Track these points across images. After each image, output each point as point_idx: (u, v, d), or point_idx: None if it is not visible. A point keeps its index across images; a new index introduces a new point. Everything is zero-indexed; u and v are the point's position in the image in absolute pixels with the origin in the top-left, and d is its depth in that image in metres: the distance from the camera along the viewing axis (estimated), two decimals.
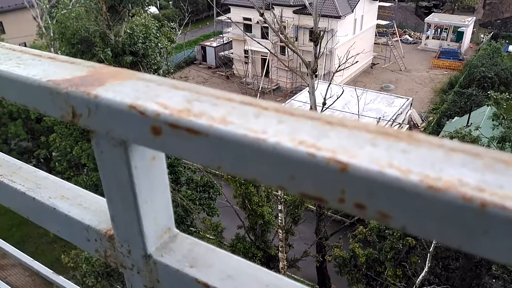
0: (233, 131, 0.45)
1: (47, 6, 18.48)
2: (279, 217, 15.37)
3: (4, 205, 0.89)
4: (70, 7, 16.22)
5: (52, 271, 1.11)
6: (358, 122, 0.47)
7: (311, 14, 25.33)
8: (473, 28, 39.57)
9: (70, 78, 0.60)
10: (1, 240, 1.42)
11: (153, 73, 16.49)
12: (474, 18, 39.57)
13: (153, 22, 16.54)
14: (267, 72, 30.65)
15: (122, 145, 0.58)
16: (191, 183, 16.33)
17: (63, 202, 0.79)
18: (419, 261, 13.83)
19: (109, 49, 15.23)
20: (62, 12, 16.34)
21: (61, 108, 0.59)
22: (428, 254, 12.93)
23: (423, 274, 12.85)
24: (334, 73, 16.39)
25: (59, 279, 1.15)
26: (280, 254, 12.17)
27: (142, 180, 0.62)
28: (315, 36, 16.32)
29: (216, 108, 0.50)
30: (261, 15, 15.58)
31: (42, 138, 17.10)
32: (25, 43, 24.15)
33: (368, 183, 0.38)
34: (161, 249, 0.68)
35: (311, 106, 13.73)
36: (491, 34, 39.94)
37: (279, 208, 15.48)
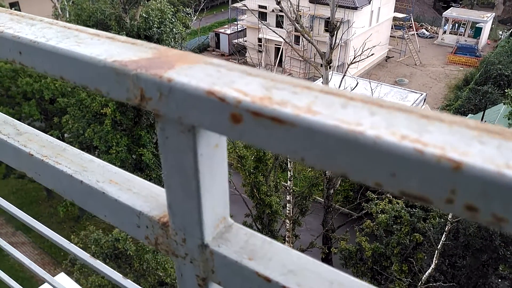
0: (322, 121, 0.43)
1: None
2: (287, 208, 15.40)
3: (48, 187, 0.88)
4: None
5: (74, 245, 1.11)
6: (454, 117, 0.44)
7: (327, 4, 25.03)
8: (492, 25, 38.89)
9: (136, 60, 0.58)
10: (21, 212, 1.42)
11: None
12: (494, 14, 38.86)
13: (169, 7, 16.44)
14: (281, 62, 30.48)
15: (190, 131, 0.56)
16: None
17: (112, 186, 0.77)
18: (425, 257, 13.80)
19: (124, 32, 15.22)
20: None
21: (128, 90, 0.57)
22: (436, 251, 12.89)
23: (429, 270, 12.84)
24: (348, 65, 16.25)
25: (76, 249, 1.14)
26: (286, 244, 12.22)
27: (206, 168, 0.60)
28: (332, 27, 16.15)
29: (298, 97, 0.48)
30: (278, 3, 15.44)
31: (55, 119, 17.20)
32: None
33: (483, 184, 0.36)
34: (218, 239, 0.66)
35: None
36: (510, 31, 39.23)
37: (287, 199, 15.50)
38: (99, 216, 0.80)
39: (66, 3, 19.20)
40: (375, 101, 0.47)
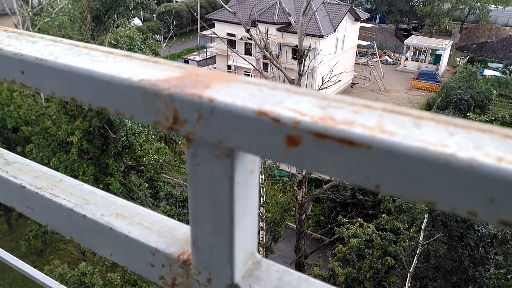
0: (405, 143, 0.38)
1: (30, 13, 18.11)
2: (260, 235, 15.22)
3: (41, 222, 0.79)
4: (53, 15, 15.94)
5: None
6: None
7: (294, 32, 25.62)
8: (450, 52, 40.70)
9: (166, 79, 0.52)
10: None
11: None
12: (451, 41, 40.76)
13: (138, 34, 16.38)
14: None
15: (228, 156, 0.50)
16: (170, 198, 16.09)
17: (120, 220, 0.69)
18: (397, 280, 13.85)
19: None
20: (45, 20, 16.02)
21: (158, 113, 0.50)
22: (408, 274, 12.95)
23: None
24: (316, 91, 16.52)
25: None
26: None
27: (240, 198, 0.53)
28: (300, 54, 16.47)
29: (362, 116, 0.43)
30: (247, 31, 15.65)
31: (19, 148, 16.58)
32: None
33: None
34: (248, 277, 0.59)
35: None
36: (467, 58, 41.14)
37: (260, 225, 15.34)
38: (104, 254, 0.72)
39: (32, 30, 18.83)
40: (447, 120, 0.42)
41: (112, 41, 15.33)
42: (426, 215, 12.79)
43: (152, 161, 15.69)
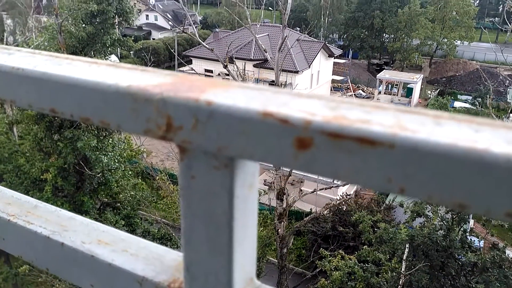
0: (432, 139, 0.34)
1: None
2: None
3: (14, 254, 0.71)
4: None
5: None
6: None
7: (270, 68, 26.05)
8: (421, 85, 41.97)
9: (157, 84, 0.47)
10: None
11: None
12: (422, 75, 42.08)
13: None
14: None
15: (228, 167, 0.45)
16: (147, 236, 15.65)
17: (102, 248, 0.62)
18: None
19: None
20: None
21: (148, 120, 0.45)
22: None
23: None
24: None
25: None
26: None
27: (240, 213, 0.48)
28: None
29: (377, 115, 0.39)
30: (225, 66, 15.82)
31: None
32: None
33: None
34: None
35: None
36: (437, 91, 42.44)
37: None
38: (83, 285, 0.64)
39: None
40: (468, 119, 0.39)
41: None
42: (407, 245, 12.78)
43: (128, 198, 15.33)
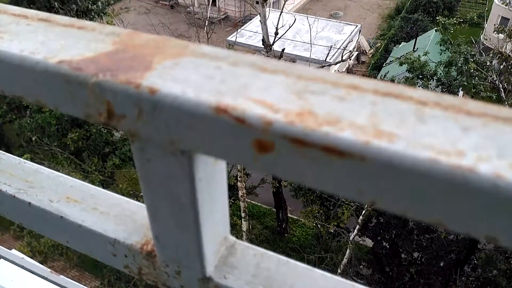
0: (409, 153, 0.29)
1: None
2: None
3: None
4: None
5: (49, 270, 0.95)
6: None
7: None
8: None
9: (93, 56, 0.40)
10: None
11: (91, 5, 15.11)
12: None
13: None
14: (214, 1, 29.25)
15: (184, 154, 0.41)
16: None
17: (71, 206, 0.60)
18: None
19: None
20: None
21: (88, 105, 0.40)
22: None
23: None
24: (285, 1, 15.86)
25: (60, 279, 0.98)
26: (239, 183, 12.28)
27: (204, 193, 0.45)
28: None
29: (349, 107, 0.34)
30: None
31: None
32: None
33: None
34: (222, 267, 0.53)
35: (263, 36, 13.32)
36: None
37: None
38: (60, 241, 0.64)
39: None
40: (456, 105, 0.34)
41: None
42: None
43: None
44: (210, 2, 28.26)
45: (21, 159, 0.68)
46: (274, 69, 0.39)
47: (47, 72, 0.39)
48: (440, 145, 0.29)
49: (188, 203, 0.45)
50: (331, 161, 0.31)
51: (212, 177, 0.46)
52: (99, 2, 15.39)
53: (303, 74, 0.38)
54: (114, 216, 0.59)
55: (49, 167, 0.68)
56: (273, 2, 27.46)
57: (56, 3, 13.79)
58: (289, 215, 15.62)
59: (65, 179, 0.65)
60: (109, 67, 0.38)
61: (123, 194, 0.64)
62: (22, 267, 1.08)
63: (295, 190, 14.38)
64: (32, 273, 1.04)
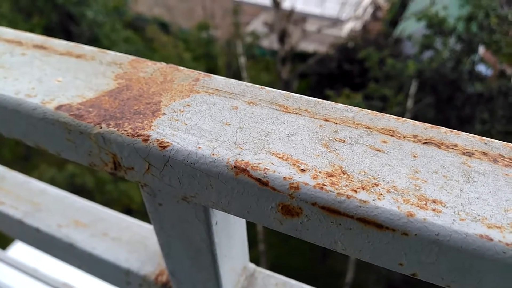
0: (456, 229, 0.26)
1: None
2: None
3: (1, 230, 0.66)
4: None
5: None
6: None
7: None
8: None
9: (95, 98, 0.35)
10: None
11: None
12: None
13: None
14: None
15: (200, 205, 0.36)
16: None
17: (80, 232, 0.57)
18: None
19: None
20: None
21: (91, 154, 0.35)
22: None
23: None
24: None
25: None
26: None
27: (222, 234, 0.41)
28: None
29: (388, 161, 0.29)
30: None
31: None
32: None
33: None
34: None
35: None
36: None
37: None
38: (74, 266, 0.61)
39: None
40: (504, 154, 0.28)
41: None
42: (414, 81, 12.76)
43: (122, 52, 14.76)
44: None
45: (27, 177, 0.65)
46: (297, 108, 0.33)
47: (46, 119, 0.35)
48: (491, 216, 0.26)
49: (204, 246, 0.41)
50: (368, 232, 0.27)
51: (229, 220, 0.41)
52: None
53: (330, 114, 0.32)
54: (125, 242, 0.56)
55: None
56: None
57: None
58: None
59: (72, 200, 0.61)
60: (112, 112, 0.33)
61: None
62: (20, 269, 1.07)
63: None
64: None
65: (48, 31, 13.58)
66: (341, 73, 17.90)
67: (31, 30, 13.28)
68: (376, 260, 0.28)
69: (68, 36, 14.45)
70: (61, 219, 0.58)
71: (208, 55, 14.14)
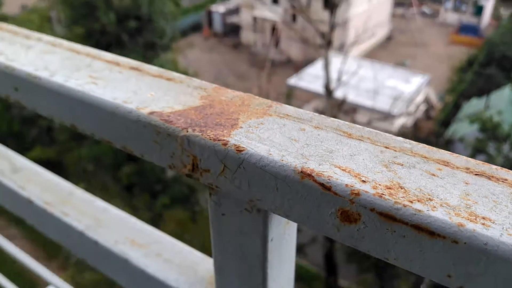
0: (503, 239, 0.27)
1: None
2: None
3: (53, 239, 0.72)
4: None
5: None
6: None
7: None
8: (494, 3, 38.29)
9: (182, 110, 0.41)
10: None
11: (159, 40, 15.82)
12: None
13: None
14: (277, 42, 30.05)
15: (260, 211, 0.39)
16: None
17: (135, 250, 0.60)
18: None
19: (112, 12, 14.67)
20: None
21: (173, 156, 0.40)
22: None
23: None
24: (349, 46, 15.95)
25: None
26: None
27: (275, 255, 0.43)
28: (332, 3, 15.76)
29: (441, 184, 0.31)
30: None
31: None
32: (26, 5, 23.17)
33: None
34: None
35: (325, 81, 13.37)
36: None
37: None
38: (121, 283, 0.64)
39: None
40: None
41: None
42: None
43: None
44: (273, 44, 29.04)
45: (92, 196, 0.70)
46: (360, 136, 0.37)
47: (139, 122, 0.40)
48: None
49: (257, 264, 0.43)
50: (420, 240, 0.29)
51: (283, 238, 0.44)
52: (166, 37, 16.11)
53: (390, 143, 0.36)
54: (177, 265, 0.59)
55: (101, 198, 0.69)
56: (337, 47, 27.70)
57: (124, 36, 14.57)
58: (341, 281, 14.56)
59: (131, 221, 0.66)
60: (197, 122, 0.39)
61: (170, 235, 0.64)
62: None
63: (349, 255, 13.61)
64: None
65: None
66: None
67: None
68: (425, 271, 0.30)
69: None
70: (118, 236, 0.63)
71: None
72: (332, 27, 15.76)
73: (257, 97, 0.43)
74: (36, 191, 0.71)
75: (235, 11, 34.62)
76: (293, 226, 0.45)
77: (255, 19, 32.01)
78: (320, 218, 0.33)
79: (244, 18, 33.12)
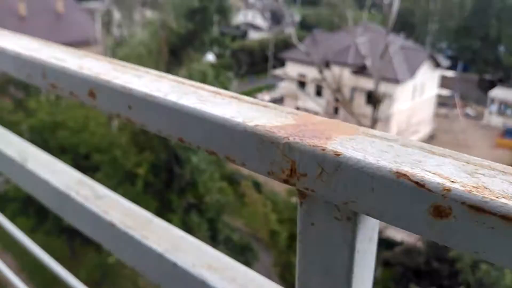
0: None
1: (111, 43, 19.26)
2: None
3: (128, 263, 0.77)
4: (132, 46, 16.17)
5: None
6: None
7: (369, 76, 25.19)
8: None
9: (281, 126, 0.48)
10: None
11: None
12: None
13: (211, 70, 16.55)
14: None
15: (350, 219, 0.44)
16: (229, 243, 15.19)
17: (212, 274, 0.64)
18: None
19: None
20: (125, 51, 16.17)
21: (273, 163, 0.46)
22: None
23: None
24: None
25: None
26: None
27: (360, 269, 0.47)
28: (375, 98, 16.13)
29: None
30: (320, 71, 15.68)
31: (89, 174, 16.46)
32: None
33: None
34: None
35: None
36: None
37: None
38: None
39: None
40: None
41: (186, 75, 15.74)
42: None
43: (213, 201, 14.50)
44: None
45: (170, 224, 0.76)
46: (443, 153, 0.42)
47: (246, 132, 0.47)
48: None
49: (343, 277, 0.46)
50: (508, 229, 0.32)
51: (365, 254, 0.47)
52: None
53: (471, 160, 0.41)
54: None
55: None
56: None
57: None
58: None
59: (206, 248, 0.70)
60: (296, 134, 0.45)
61: None
62: None
63: None
64: None
65: (155, 167, 14.69)
66: (428, 270, 16.49)
67: (139, 163, 14.54)
68: (504, 258, 0.33)
69: (170, 175, 15.49)
70: (196, 260, 0.67)
71: (293, 220, 14.18)
72: (374, 121, 16.03)
73: (342, 122, 0.50)
74: (117, 216, 0.77)
75: (280, 100, 35.92)
76: (374, 243, 0.49)
77: (298, 109, 32.95)
78: (413, 216, 0.37)
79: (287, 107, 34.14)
